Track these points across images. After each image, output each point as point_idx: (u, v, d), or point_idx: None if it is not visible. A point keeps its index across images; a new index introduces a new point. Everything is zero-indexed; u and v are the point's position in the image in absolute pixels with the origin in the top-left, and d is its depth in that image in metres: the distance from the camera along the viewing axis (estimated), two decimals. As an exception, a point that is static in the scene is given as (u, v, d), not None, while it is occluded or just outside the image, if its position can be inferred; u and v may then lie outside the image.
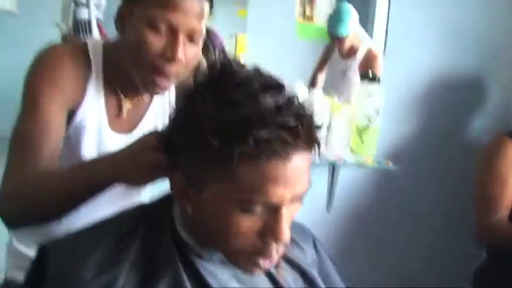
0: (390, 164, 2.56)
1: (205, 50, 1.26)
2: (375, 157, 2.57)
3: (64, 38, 2.86)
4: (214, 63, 0.86)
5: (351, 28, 2.91)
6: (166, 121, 0.94)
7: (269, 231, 0.84)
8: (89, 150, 1.25)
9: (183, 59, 1.13)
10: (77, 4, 3.06)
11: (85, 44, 1.25)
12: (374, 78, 2.62)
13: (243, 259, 0.89)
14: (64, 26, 2.67)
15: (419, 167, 2.84)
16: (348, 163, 2.52)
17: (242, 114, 0.77)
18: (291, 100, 0.82)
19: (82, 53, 1.23)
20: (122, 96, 1.28)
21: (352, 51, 3.00)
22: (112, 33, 3.19)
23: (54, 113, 1.15)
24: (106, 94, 1.26)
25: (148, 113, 1.34)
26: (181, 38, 1.12)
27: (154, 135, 0.99)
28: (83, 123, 1.23)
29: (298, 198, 0.85)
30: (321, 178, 2.65)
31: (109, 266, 0.89)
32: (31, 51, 2.46)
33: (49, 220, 1.13)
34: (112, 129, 1.27)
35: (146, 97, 1.33)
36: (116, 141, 1.24)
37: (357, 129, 2.58)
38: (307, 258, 1.10)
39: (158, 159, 0.94)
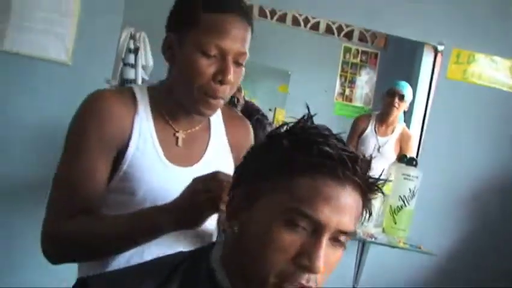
0: (422, 247, 2.51)
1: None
2: (407, 239, 2.52)
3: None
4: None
5: (409, 95, 3.10)
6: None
7: (305, 254, 0.83)
8: (149, 185, 1.24)
9: (231, 81, 1.19)
10: (125, 64, 3.18)
11: (131, 87, 1.29)
12: (411, 161, 2.62)
13: (273, 283, 0.85)
14: (114, 83, 2.76)
15: (451, 252, 2.79)
16: (379, 243, 2.47)
17: (312, 135, 0.84)
18: (353, 153, 0.86)
19: (128, 92, 1.26)
20: (175, 128, 1.29)
21: (390, 129, 3.14)
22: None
23: (99, 158, 1.17)
24: (157, 127, 1.27)
25: (209, 148, 1.34)
26: (231, 61, 1.18)
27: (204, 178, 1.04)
28: (136, 159, 1.22)
29: (342, 237, 0.85)
30: (350, 254, 2.60)
31: None
32: (77, 103, 2.59)
33: (90, 260, 1.16)
34: (170, 161, 1.26)
35: (201, 130, 1.34)
36: (177, 175, 1.24)
37: (391, 209, 2.55)
38: None
39: (208, 197, 1.00)
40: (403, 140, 3.12)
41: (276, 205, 0.83)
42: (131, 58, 3.23)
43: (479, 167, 2.80)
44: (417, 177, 2.56)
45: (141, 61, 3.31)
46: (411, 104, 3.12)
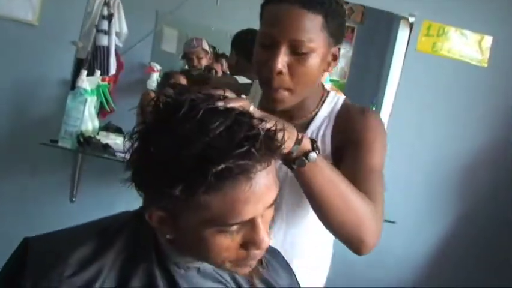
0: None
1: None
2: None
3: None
4: (157, 101, 0.85)
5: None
6: None
7: (250, 242, 0.84)
8: None
9: (284, 70, 1.17)
10: (98, 30, 3.14)
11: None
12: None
13: (229, 266, 0.89)
14: (81, 45, 2.73)
15: (415, 220, 2.83)
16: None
17: (196, 153, 0.76)
18: (238, 119, 0.81)
19: (246, 86, 1.37)
20: None
21: None
22: (129, 61, 3.26)
23: None
24: None
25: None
26: (283, 50, 1.16)
27: None
28: None
29: (271, 205, 0.85)
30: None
31: (89, 264, 0.89)
32: (43, 64, 2.58)
33: None
34: None
35: (298, 127, 1.27)
36: None
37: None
38: (282, 280, 1.10)
39: None
40: None
41: (201, 224, 0.81)
42: (104, 25, 3.17)
43: (445, 139, 2.82)
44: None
45: (115, 28, 3.27)
46: (385, 78, 3.11)
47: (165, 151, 0.79)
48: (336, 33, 1.22)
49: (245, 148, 0.77)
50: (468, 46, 2.74)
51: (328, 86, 3.08)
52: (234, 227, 0.82)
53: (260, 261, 0.94)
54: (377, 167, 1.24)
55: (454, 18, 2.74)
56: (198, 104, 0.81)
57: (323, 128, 1.33)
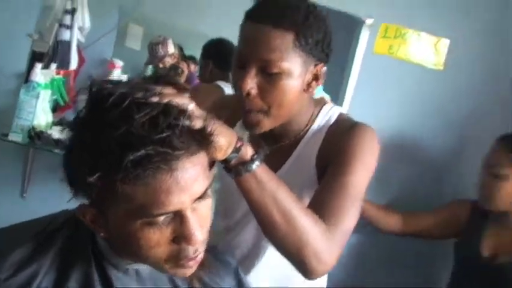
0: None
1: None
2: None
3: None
4: (91, 88, 0.85)
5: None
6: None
7: (180, 236, 0.83)
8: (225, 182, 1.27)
9: (252, 91, 1.11)
10: (61, 25, 3.11)
11: None
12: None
13: (167, 266, 0.88)
14: (36, 37, 2.70)
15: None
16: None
17: (116, 139, 0.76)
18: (166, 110, 0.80)
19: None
20: (263, 142, 1.20)
21: None
22: (91, 57, 3.23)
23: None
24: (250, 138, 1.26)
25: (285, 166, 1.28)
26: (252, 71, 1.10)
27: None
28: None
29: (202, 197, 0.85)
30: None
31: (27, 266, 0.88)
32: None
33: None
34: None
35: (288, 146, 1.28)
36: None
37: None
38: (224, 283, 1.09)
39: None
40: None
41: (127, 216, 0.81)
42: (67, 19, 3.14)
43: (401, 142, 2.82)
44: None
45: (78, 22, 3.24)
46: (346, 81, 3.12)
47: (87, 138, 0.79)
48: (315, 51, 1.15)
49: (164, 135, 0.77)
50: (424, 48, 2.75)
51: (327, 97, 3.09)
52: (161, 219, 0.81)
53: (201, 263, 0.93)
54: (351, 185, 1.13)
55: (411, 21, 2.74)
56: (128, 95, 0.80)
57: (310, 146, 1.27)
